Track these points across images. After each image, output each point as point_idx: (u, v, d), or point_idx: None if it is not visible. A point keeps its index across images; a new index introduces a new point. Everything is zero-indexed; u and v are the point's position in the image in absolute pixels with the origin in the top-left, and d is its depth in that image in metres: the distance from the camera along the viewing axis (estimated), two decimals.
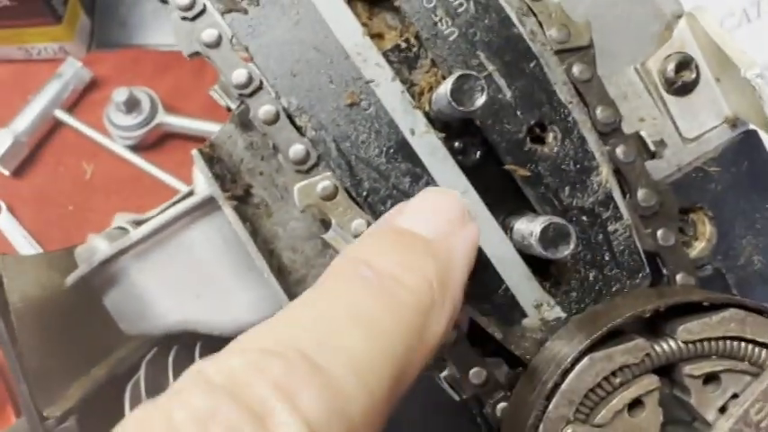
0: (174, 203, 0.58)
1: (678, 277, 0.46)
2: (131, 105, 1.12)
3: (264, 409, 0.25)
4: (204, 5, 0.44)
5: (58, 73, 1.17)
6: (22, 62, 1.22)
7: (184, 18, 0.44)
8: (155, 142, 1.17)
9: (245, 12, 0.43)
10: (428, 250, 0.33)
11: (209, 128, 1.14)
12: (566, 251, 0.39)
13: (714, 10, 0.82)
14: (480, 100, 0.38)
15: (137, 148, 1.15)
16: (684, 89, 0.50)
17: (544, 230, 0.40)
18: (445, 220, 0.35)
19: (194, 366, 0.27)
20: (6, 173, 1.13)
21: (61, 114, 1.17)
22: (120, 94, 1.11)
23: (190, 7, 0.43)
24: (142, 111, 1.13)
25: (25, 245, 1.09)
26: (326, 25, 0.44)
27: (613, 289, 0.45)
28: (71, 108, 1.19)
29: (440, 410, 0.49)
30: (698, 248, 0.51)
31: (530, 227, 0.41)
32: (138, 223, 0.57)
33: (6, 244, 1.10)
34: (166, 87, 1.18)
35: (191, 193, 0.55)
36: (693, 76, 0.50)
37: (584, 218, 0.45)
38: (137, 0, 1.27)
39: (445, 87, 0.39)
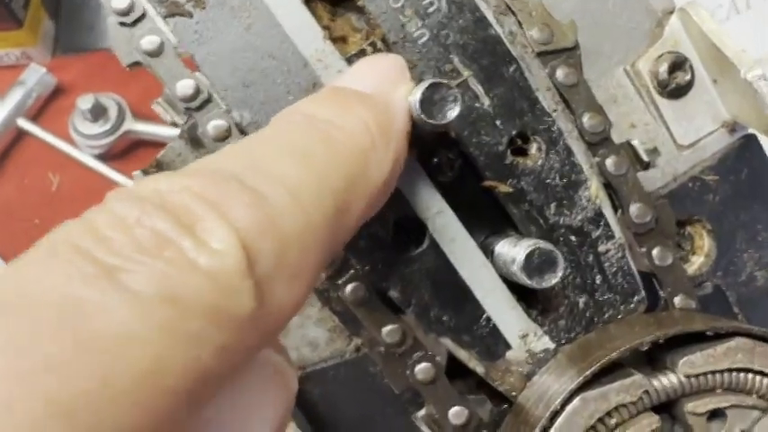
0: None
1: (677, 300, 0.42)
2: (97, 113, 1.07)
3: (192, 217, 0.24)
4: (144, 10, 0.39)
5: (20, 80, 1.12)
6: None
7: (122, 24, 0.39)
8: (124, 150, 1.11)
9: (190, 15, 0.39)
10: (364, 99, 0.33)
11: None
12: (553, 280, 0.35)
13: (701, 1, 0.77)
14: (453, 112, 0.34)
15: (105, 157, 1.10)
16: (678, 92, 0.46)
17: (528, 257, 0.35)
18: (382, 77, 0.35)
19: (116, 188, 0.27)
20: None
21: (25, 123, 1.11)
22: (85, 102, 1.06)
23: (128, 11, 0.39)
24: (109, 118, 1.08)
25: None
26: (282, 29, 0.39)
27: (606, 315, 0.41)
28: (35, 117, 1.13)
29: None
30: (696, 264, 0.47)
31: (512, 252, 0.37)
32: None
33: None
34: (135, 93, 1.13)
35: None
36: (688, 77, 0.46)
37: (573, 237, 0.40)
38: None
39: (413, 98, 0.35)
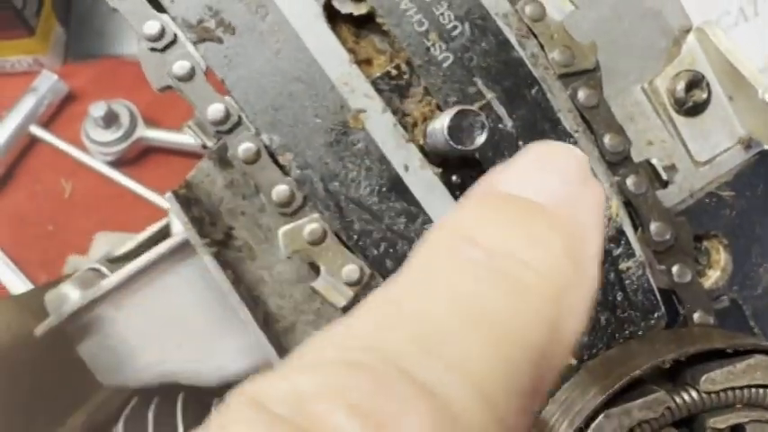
0: (151, 239, 0.54)
1: (696, 316, 0.43)
2: (110, 120, 1.08)
3: None
4: (175, 35, 0.40)
5: (32, 87, 1.13)
6: None
7: (153, 49, 0.40)
8: (136, 157, 1.12)
9: (220, 41, 0.40)
10: (549, 219, 0.24)
11: (192, 141, 1.10)
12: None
13: (709, 8, 0.78)
14: (481, 138, 0.35)
15: (117, 163, 1.11)
16: (695, 109, 0.47)
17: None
18: (562, 180, 0.26)
19: (246, 389, 0.19)
20: None
21: (37, 130, 1.12)
22: (97, 109, 1.07)
23: (159, 37, 0.39)
24: (121, 125, 1.09)
25: (2, 268, 1.05)
26: (310, 54, 0.40)
27: (627, 332, 0.42)
28: (47, 123, 1.14)
29: None
30: (712, 278, 0.48)
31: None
32: (112, 261, 0.53)
33: None
34: (147, 99, 1.14)
35: (166, 230, 0.52)
36: (705, 95, 0.46)
37: None
38: None
39: (441, 124, 0.36)
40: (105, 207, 1.10)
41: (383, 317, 0.21)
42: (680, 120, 0.47)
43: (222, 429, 0.18)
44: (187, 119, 1.24)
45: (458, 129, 0.35)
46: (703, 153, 0.47)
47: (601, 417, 0.36)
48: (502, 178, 0.26)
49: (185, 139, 1.11)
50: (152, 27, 0.39)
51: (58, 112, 1.16)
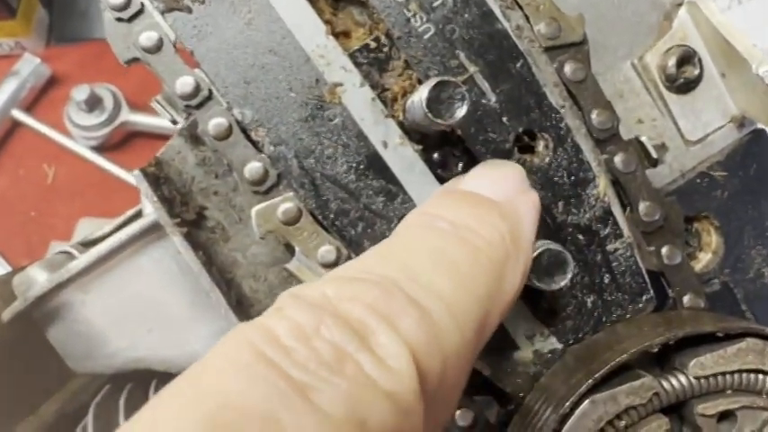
0: (125, 223, 0.52)
1: (685, 299, 0.41)
2: (93, 103, 1.06)
3: (366, 329, 0.26)
4: (142, 4, 0.38)
5: (14, 70, 1.10)
6: None
7: (119, 19, 0.38)
8: (119, 142, 1.10)
9: (189, 10, 0.38)
10: (497, 209, 0.33)
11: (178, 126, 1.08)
12: (562, 282, 0.35)
13: None
14: (461, 111, 0.33)
15: (101, 148, 1.08)
16: (687, 86, 0.45)
17: (537, 259, 0.35)
18: (508, 185, 0.35)
19: (288, 291, 0.28)
20: None
21: (19, 114, 1.10)
22: (80, 92, 1.04)
23: (125, 6, 0.38)
24: (105, 109, 1.06)
25: None
26: (284, 24, 0.38)
27: (614, 315, 0.40)
28: (29, 107, 1.12)
29: None
30: (703, 261, 0.47)
31: None
32: (85, 245, 0.52)
33: None
34: (131, 83, 1.11)
35: (139, 214, 0.50)
36: (697, 71, 0.45)
37: (581, 236, 0.40)
38: None
39: (420, 96, 0.34)
40: (89, 192, 1.08)
41: (383, 255, 0.31)
42: (671, 97, 0.45)
43: (277, 311, 0.27)
44: None
45: (437, 101, 0.33)
46: (695, 132, 0.46)
47: (586, 402, 0.35)
48: (462, 181, 0.36)
49: (170, 124, 1.08)
50: None
51: (41, 96, 1.14)
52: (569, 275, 0.35)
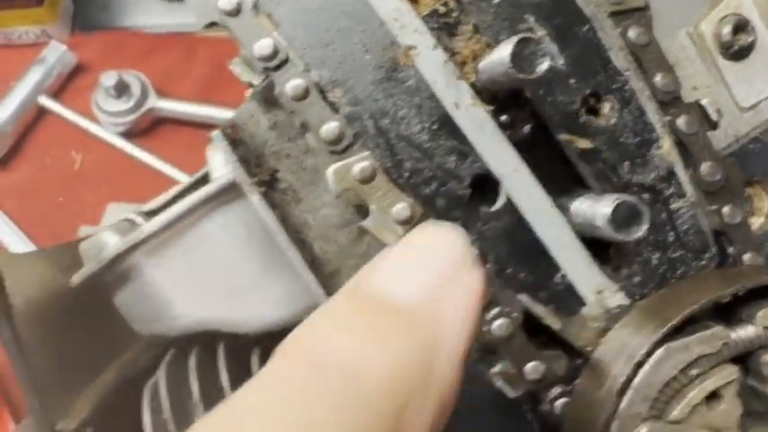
0: (185, 191, 0.53)
1: (746, 257, 0.42)
2: (121, 90, 1.07)
3: None
4: None
5: (40, 58, 1.11)
6: (2, 47, 1.16)
7: None
8: (146, 128, 1.11)
9: None
10: (405, 323, 0.25)
11: (204, 112, 1.09)
12: (638, 232, 0.36)
13: None
14: (544, 65, 0.34)
15: (127, 134, 1.10)
16: (740, 54, 0.46)
17: (616, 210, 0.36)
18: (434, 273, 0.27)
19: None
20: None
21: (46, 101, 1.11)
22: (108, 79, 1.05)
23: None
24: (132, 95, 1.08)
25: (14, 241, 1.04)
26: None
27: (678, 272, 0.41)
28: (56, 94, 1.13)
29: (484, 408, 0.45)
30: (755, 225, 0.47)
31: (595, 207, 0.37)
32: (147, 214, 0.53)
33: None
34: (155, 70, 1.13)
35: (204, 179, 0.51)
36: (750, 39, 0.46)
37: (646, 195, 0.41)
38: None
39: (501, 53, 0.35)
40: (116, 178, 1.09)
41: (258, 410, 0.23)
42: (725, 64, 0.46)
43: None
44: (196, 90, 1.23)
45: (519, 56, 0.34)
46: (748, 98, 0.47)
47: (660, 350, 0.36)
48: (371, 271, 0.28)
49: (197, 109, 1.10)
50: None
51: (67, 84, 1.15)
52: (645, 227, 0.36)
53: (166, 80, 1.13)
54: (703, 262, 0.42)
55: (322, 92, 0.39)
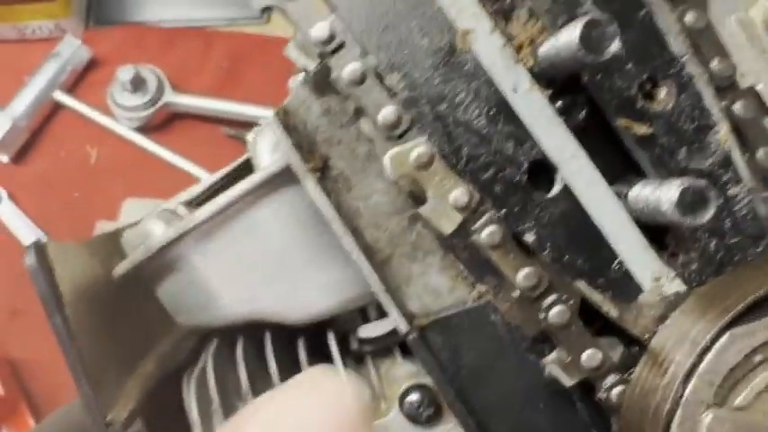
0: (225, 180, 0.53)
1: None
2: (137, 84, 1.06)
3: None
4: None
5: (55, 52, 1.10)
6: (16, 42, 1.15)
7: None
8: (162, 123, 1.10)
9: None
10: None
11: (220, 107, 1.08)
12: (706, 216, 0.35)
13: None
14: (614, 46, 0.34)
15: (143, 129, 1.09)
16: None
17: (683, 194, 0.35)
18: None
19: None
20: (6, 159, 1.06)
21: (61, 96, 1.10)
22: (125, 73, 1.05)
23: None
24: (148, 90, 1.07)
25: (30, 235, 1.03)
26: None
27: (736, 258, 0.41)
28: (71, 89, 1.12)
29: (533, 398, 0.45)
30: None
31: (659, 192, 0.37)
32: (187, 204, 0.52)
33: (9, 235, 1.03)
34: (171, 65, 1.12)
35: (245, 167, 0.50)
36: None
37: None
38: None
39: (570, 35, 0.35)
40: (131, 173, 1.08)
41: None
42: None
43: None
44: (212, 85, 1.22)
45: (588, 38, 0.34)
46: None
47: (725, 336, 0.36)
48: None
49: (213, 104, 1.09)
50: None
51: (81, 79, 1.14)
52: (713, 210, 0.35)
53: (182, 75, 1.12)
54: (760, 248, 0.41)
55: (379, 76, 0.39)
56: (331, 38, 0.38)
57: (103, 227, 1.05)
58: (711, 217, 0.35)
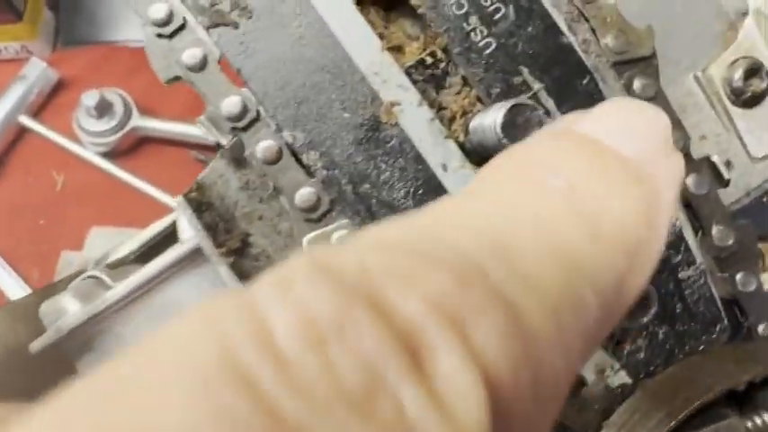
0: (153, 240, 0.50)
1: (761, 328, 0.39)
2: (103, 109, 1.03)
3: (421, 341, 0.15)
4: (184, 19, 0.35)
5: (20, 75, 1.07)
6: None
7: (160, 35, 0.35)
8: (130, 148, 1.07)
9: (236, 26, 0.35)
10: (630, 173, 0.22)
11: (190, 131, 1.05)
12: (644, 319, 0.32)
13: None
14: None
15: (111, 154, 1.06)
16: (753, 100, 0.43)
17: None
18: (648, 139, 0.24)
19: (312, 252, 0.17)
20: None
21: (26, 120, 1.07)
22: (89, 98, 1.02)
23: (166, 22, 0.35)
24: (115, 114, 1.04)
25: None
26: (336, 39, 0.36)
27: (687, 347, 0.38)
28: (37, 113, 1.09)
29: None
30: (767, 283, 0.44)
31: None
32: (112, 267, 0.49)
33: None
34: (141, 87, 1.09)
35: (170, 231, 0.47)
36: (764, 85, 0.42)
37: None
38: None
39: (493, 119, 0.31)
40: (99, 200, 1.06)
41: (459, 217, 0.19)
42: (736, 112, 0.43)
43: (288, 283, 0.15)
44: (183, 108, 1.19)
45: (512, 125, 0.31)
46: (761, 148, 0.43)
47: None
48: (580, 121, 0.24)
49: (182, 128, 1.06)
50: (158, 10, 0.35)
51: (48, 102, 1.11)
52: (653, 311, 0.32)
53: (152, 97, 1.09)
54: (714, 335, 0.38)
55: (295, 154, 0.36)
56: (243, 113, 0.35)
57: (68, 257, 1.02)
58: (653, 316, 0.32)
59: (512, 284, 0.17)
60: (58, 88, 1.11)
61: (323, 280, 0.15)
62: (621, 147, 0.23)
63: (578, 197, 0.21)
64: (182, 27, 0.35)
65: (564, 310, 0.18)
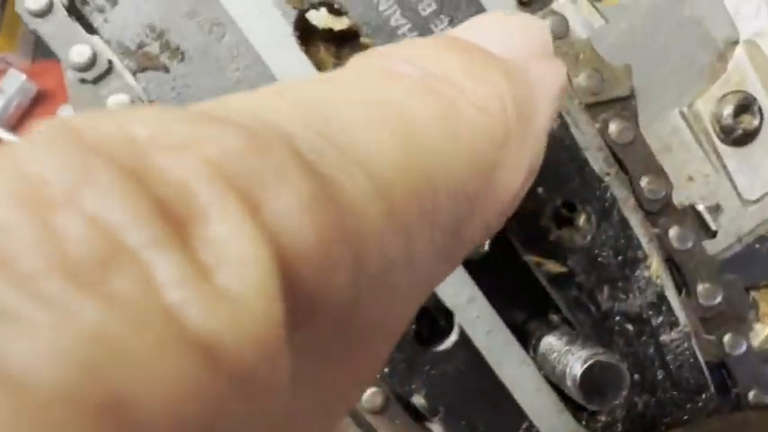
0: None
1: (750, 395, 0.36)
2: None
3: (185, 204, 0.12)
4: (110, 63, 0.32)
5: None
6: None
7: (83, 80, 0.32)
8: None
9: (166, 70, 0.32)
10: (501, 67, 0.21)
11: None
12: (615, 400, 0.29)
13: None
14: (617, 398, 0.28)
15: None
16: (744, 138, 0.39)
17: (587, 373, 0.29)
18: (523, 42, 0.23)
19: (64, 117, 0.14)
20: None
21: (5, 134, 1.04)
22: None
23: (90, 66, 0.32)
24: None
25: None
26: (277, 81, 0.32)
27: (669, 417, 0.34)
28: (15, 127, 1.06)
29: None
30: (762, 335, 0.41)
31: (565, 360, 0.30)
32: None
33: None
34: None
35: None
36: (756, 121, 0.39)
37: (630, 326, 0.34)
38: None
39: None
40: None
41: (275, 97, 0.17)
42: (726, 150, 0.39)
43: (27, 144, 0.13)
44: None
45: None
46: (753, 190, 0.40)
47: None
48: (458, 28, 0.23)
49: None
50: (81, 53, 0.31)
51: (27, 115, 1.08)
52: (623, 393, 0.29)
53: None
54: (699, 404, 0.35)
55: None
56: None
57: None
58: (624, 399, 0.29)
59: (329, 158, 0.15)
60: (37, 101, 1.08)
61: (62, 143, 0.13)
62: (493, 46, 0.21)
63: (431, 81, 0.19)
64: (107, 71, 0.32)
65: (400, 191, 0.16)
